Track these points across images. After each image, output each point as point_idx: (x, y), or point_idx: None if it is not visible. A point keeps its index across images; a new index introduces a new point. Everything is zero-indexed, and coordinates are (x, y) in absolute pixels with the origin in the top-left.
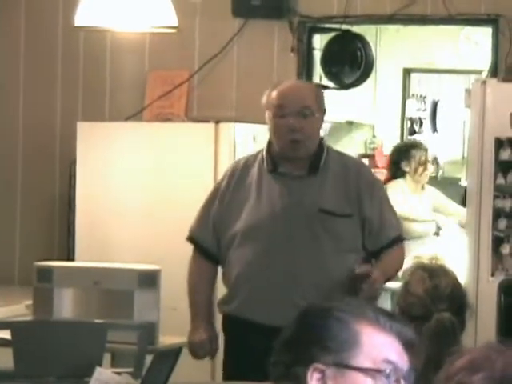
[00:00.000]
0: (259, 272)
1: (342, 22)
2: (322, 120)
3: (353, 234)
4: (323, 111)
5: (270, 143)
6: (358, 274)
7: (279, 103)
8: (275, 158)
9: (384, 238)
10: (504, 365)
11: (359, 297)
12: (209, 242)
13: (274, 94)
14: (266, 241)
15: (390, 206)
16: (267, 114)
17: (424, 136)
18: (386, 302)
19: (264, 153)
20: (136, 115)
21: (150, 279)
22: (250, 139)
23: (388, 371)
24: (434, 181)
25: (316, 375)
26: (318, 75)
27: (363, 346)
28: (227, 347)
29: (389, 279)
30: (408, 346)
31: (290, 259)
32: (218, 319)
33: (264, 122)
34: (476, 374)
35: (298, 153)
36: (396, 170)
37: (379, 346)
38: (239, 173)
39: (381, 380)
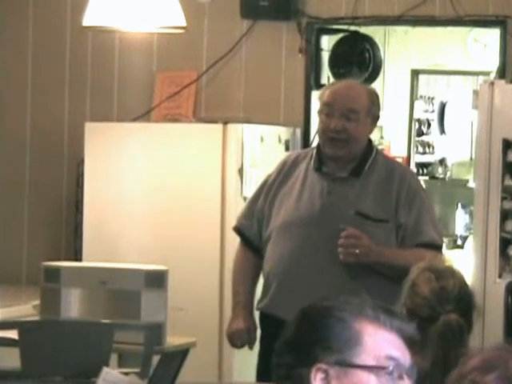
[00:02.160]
0: (289, 270)
1: (350, 23)
2: (370, 124)
3: (387, 239)
4: (375, 117)
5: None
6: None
7: (328, 101)
8: (322, 157)
9: (414, 241)
10: None
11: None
12: (253, 234)
13: (327, 91)
14: (299, 239)
15: (431, 218)
16: (318, 110)
17: (432, 137)
18: None
19: (314, 150)
20: (144, 116)
21: (157, 279)
22: (257, 140)
23: (391, 368)
24: (442, 182)
25: (320, 375)
26: (326, 76)
27: (365, 343)
28: (261, 344)
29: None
30: (409, 341)
31: (320, 259)
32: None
33: (271, 123)
34: (489, 373)
35: (337, 152)
36: None
37: (381, 343)
38: (288, 167)
39: (384, 377)
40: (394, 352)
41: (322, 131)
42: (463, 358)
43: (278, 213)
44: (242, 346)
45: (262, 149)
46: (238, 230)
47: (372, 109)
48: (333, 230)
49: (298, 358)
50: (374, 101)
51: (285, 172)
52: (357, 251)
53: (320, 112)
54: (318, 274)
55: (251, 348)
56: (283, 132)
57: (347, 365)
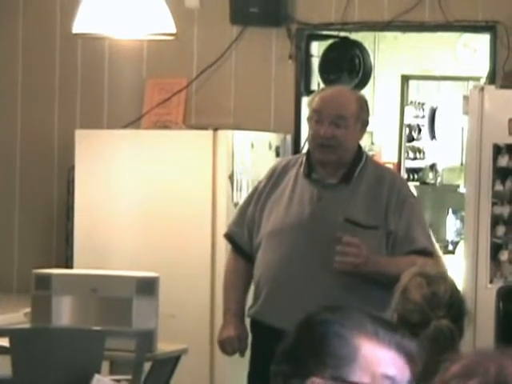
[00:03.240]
0: (278, 276)
1: (340, 29)
2: (359, 130)
3: (377, 246)
4: (364, 123)
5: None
6: (342, 238)
7: (317, 108)
8: (312, 164)
9: (405, 249)
10: (497, 370)
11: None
12: (244, 241)
13: (316, 98)
14: (288, 246)
15: (421, 225)
16: (307, 116)
17: (422, 143)
18: None
19: (304, 157)
20: (134, 123)
21: (148, 286)
22: (248, 146)
23: None
24: (432, 188)
25: None
26: (316, 82)
27: (362, 361)
28: (251, 350)
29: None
30: (408, 358)
31: (309, 266)
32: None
33: (261, 129)
34: (470, 380)
35: (327, 157)
36: None
37: (378, 361)
38: (278, 174)
39: None
40: (391, 370)
41: (312, 138)
42: (444, 365)
43: (268, 219)
44: (233, 354)
45: (252, 155)
46: (229, 237)
47: (361, 115)
48: (322, 237)
49: (294, 368)
50: (362, 107)
51: (275, 178)
52: (358, 261)
53: (309, 119)
54: (308, 280)
55: (242, 355)
56: (273, 138)
57: (342, 381)
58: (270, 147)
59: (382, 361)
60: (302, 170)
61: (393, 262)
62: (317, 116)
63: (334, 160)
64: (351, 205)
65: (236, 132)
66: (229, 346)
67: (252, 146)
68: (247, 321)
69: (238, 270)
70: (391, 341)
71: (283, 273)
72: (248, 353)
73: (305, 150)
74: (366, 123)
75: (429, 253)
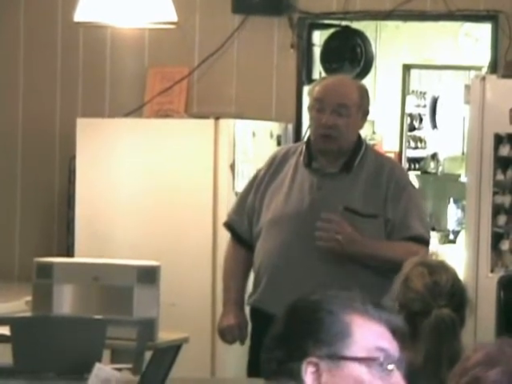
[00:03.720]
0: (278, 264)
1: (341, 18)
2: (360, 119)
3: (377, 234)
4: (365, 112)
5: (310, 138)
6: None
7: (318, 97)
8: (312, 153)
9: (401, 235)
10: None
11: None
12: (244, 229)
13: (317, 87)
14: (288, 234)
15: (419, 213)
16: (308, 105)
17: (424, 132)
18: None
19: (304, 146)
20: (136, 111)
21: (149, 275)
22: (249, 135)
23: (381, 358)
24: (434, 177)
25: (310, 369)
26: (318, 71)
27: (355, 336)
28: (251, 338)
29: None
30: (397, 333)
31: (309, 254)
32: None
33: (263, 118)
34: (492, 368)
35: (329, 146)
36: None
37: (370, 335)
38: (278, 162)
39: (375, 368)
40: (384, 343)
41: (314, 127)
42: (467, 353)
43: (268, 208)
44: (233, 342)
45: (254, 144)
46: (228, 225)
47: (363, 104)
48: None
49: (288, 352)
50: (364, 95)
51: (275, 167)
52: (339, 237)
53: (311, 107)
54: (308, 268)
55: (242, 343)
56: (275, 127)
57: (338, 357)
58: (272, 136)
59: (374, 334)
60: (301, 159)
61: (385, 246)
62: (318, 105)
63: (335, 149)
64: (351, 194)
65: (237, 121)
66: (229, 335)
67: (253, 134)
68: (247, 309)
69: (238, 258)
70: (381, 317)
71: (283, 261)
72: (248, 341)
73: (305, 139)
74: (366, 112)
75: (424, 241)
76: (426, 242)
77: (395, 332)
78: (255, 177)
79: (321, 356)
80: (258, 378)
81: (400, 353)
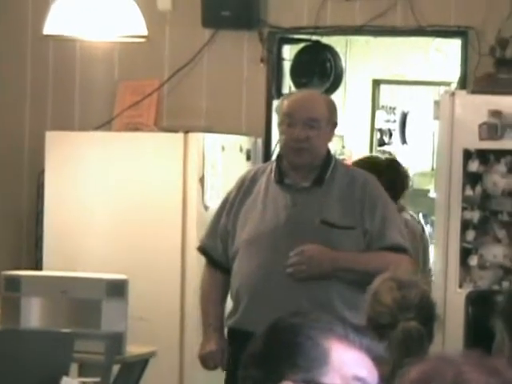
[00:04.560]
0: (259, 283)
1: (311, 33)
2: (330, 131)
3: (355, 246)
4: (334, 125)
5: (280, 154)
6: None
7: (289, 112)
8: (283, 169)
9: (380, 245)
10: (454, 374)
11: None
12: (218, 253)
13: (286, 102)
14: (267, 252)
15: (395, 223)
16: (277, 121)
17: (393, 147)
18: None
19: (274, 164)
20: (105, 125)
21: (117, 289)
22: (219, 149)
23: None
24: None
25: None
26: (288, 86)
27: (333, 363)
28: (228, 360)
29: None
30: (377, 360)
31: (288, 273)
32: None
33: (233, 132)
34: None
35: (302, 159)
36: None
37: (349, 363)
38: (248, 183)
39: None
40: (362, 372)
41: (285, 142)
42: (403, 370)
43: (243, 228)
44: (214, 368)
45: (223, 158)
46: (202, 250)
47: (332, 117)
48: (300, 241)
49: (264, 373)
50: (332, 109)
51: (245, 188)
52: (303, 267)
53: (281, 123)
54: (289, 286)
55: (224, 369)
56: (244, 141)
57: (314, 383)
58: (241, 150)
59: (352, 362)
60: (272, 176)
61: (361, 257)
62: (289, 119)
63: (308, 162)
64: (326, 206)
65: (207, 135)
66: (211, 361)
67: (223, 148)
68: (225, 330)
69: (214, 282)
70: (361, 343)
71: (264, 280)
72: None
73: (275, 153)
74: (335, 125)
75: (401, 249)
76: (404, 250)
77: (375, 360)
78: (226, 199)
79: (296, 380)
80: None
81: (378, 381)
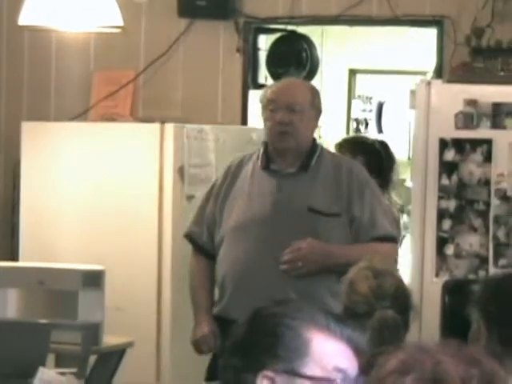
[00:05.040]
0: (246, 270)
1: (287, 23)
2: (315, 118)
3: (341, 233)
4: (318, 111)
5: (265, 141)
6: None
7: (272, 98)
8: (269, 155)
9: (371, 234)
10: (433, 365)
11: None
12: (205, 240)
13: (270, 89)
14: (254, 239)
15: (384, 209)
16: (261, 109)
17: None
18: None
19: (260, 150)
20: (81, 115)
21: (94, 279)
22: (196, 139)
23: (338, 380)
24: None
25: (266, 382)
26: (264, 76)
27: (314, 353)
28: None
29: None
30: (358, 351)
31: (274, 259)
32: None
33: (209, 122)
34: (405, 376)
35: (287, 144)
36: None
37: (329, 354)
38: (233, 170)
39: None
40: (343, 363)
41: (270, 127)
42: (380, 360)
43: (230, 215)
44: (208, 352)
45: (200, 147)
46: (189, 237)
47: (315, 102)
48: (286, 227)
49: (245, 362)
50: (315, 95)
51: (231, 175)
52: (299, 264)
53: (264, 109)
54: (276, 273)
55: (216, 353)
56: (221, 131)
57: (294, 374)
58: (218, 140)
59: (333, 353)
60: (259, 162)
61: (352, 250)
62: (272, 105)
63: (293, 146)
64: (312, 193)
65: (183, 125)
66: (204, 345)
67: (200, 138)
68: (188, 314)
69: (202, 269)
70: (342, 333)
71: (250, 266)
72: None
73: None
74: (320, 111)
75: (392, 238)
76: (393, 239)
77: (357, 350)
78: (212, 186)
79: (277, 371)
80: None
81: (359, 372)
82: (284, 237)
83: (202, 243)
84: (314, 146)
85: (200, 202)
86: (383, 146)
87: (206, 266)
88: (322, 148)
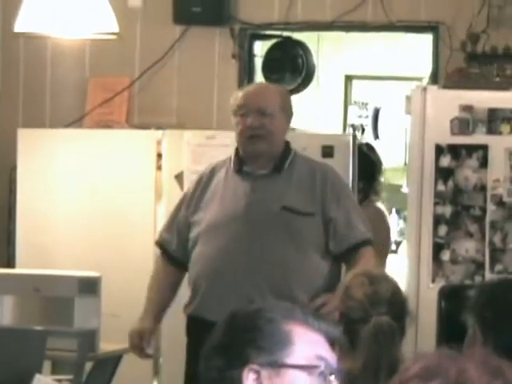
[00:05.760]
0: (218, 269)
1: (282, 29)
2: (285, 121)
3: (315, 233)
4: (288, 114)
5: (237, 147)
6: (315, 305)
7: (241, 103)
8: (241, 159)
9: (351, 239)
10: (457, 372)
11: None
12: (174, 248)
13: (239, 95)
14: (227, 238)
15: (359, 213)
16: (232, 114)
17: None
18: None
19: (232, 155)
20: (76, 122)
21: (90, 286)
22: (190, 146)
23: (322, 367)
24: None
25: (251, 376)
26: (259, 82)
27: (295, 344)
28: (188, 350)
29: None
30: (335, 344)
31: (248, 257)
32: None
33: (204, 129)
34: (430, 381)
35: (258, 147)
36: None
37: (310, 344)
38: (206, 178)
39: (315, 376)
40: (323, 352)
41: (240, 132)
42: (404, 364)
43: (204, 217)
44: (140, 347)
45: (194, 154)
46: (160, 244)
47: (285, 104)
48: (260, 226)
49: (228, 360)
50: (285, 98)
51: (204, 183)
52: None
53: (235, 114)
54: (248, 271)
55: (147, 351)
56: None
57: (279, 365)
58: (219, 146)
59: (314, 343)
60: (232, 166)
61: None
62: (242, 110)
63: (265, 149)
64: (286, 193)
65: (179, 131)
66: (136, 338)
67: (200, 144)
68: (183, 320)
69: (165, 274)
70: (320, 326)
71: (223, 265)
72: (184, 353)
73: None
74: (290, 114)
75: (369, 240)
76: (370, 241)
77: (334, 343)
78: (184, 195)
79: (261, 363)
80: None
81: (338, 364)
82: (258, 235)
83: (170, 251)
84: (287, 149)
85: (172, 211)
86: (370, 148)
87: (170, 273)
88: (296, 152)
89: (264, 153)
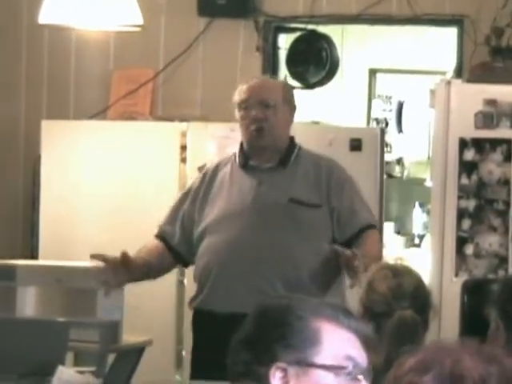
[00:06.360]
0: (226, 261)
1: (307, 22)
2: (289, 114)
3: (323, 224)
4: (292, 107)
5: (241, 142)
6: (341, 253)
7: (244, 97)
8: (246, 153)
9: (354, 226)
10: (452, 362)
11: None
12: (176, 242)
13: (242, 88)
14: (234, 231)
15: (363, 202)
16: (236, 109)
17: (390, 136)
18: None
19: (237, 150)
20: (100, 113)
21: None
22: (215, 138)
23: (350, 368)
24: (399, 181)
25: (278, 374)
26: (283, 75)
27: (324, 343)
28: (195, 342)
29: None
30: (366, 343)
31: (255, 249)
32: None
33: (228, 121)
34: (425, 374)
35: (263, 140)
36: None
37: (339, 343)
38: (211, 173)
39: (343, 376)
40: (353, 352)
41: (245, 125)
42: (399, 360)
43: (211, 212)
44: (106, 275)
45: (219, 147)
46: (161, 237)
47: (288, 98)
48: (268, 218)
49: (256, 355)
50: (288, 90)
51: (208, 178)
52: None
53: (239, 109)
54: (258, 263)
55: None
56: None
57: (306, 364)
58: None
59: (343, 342)
60: (237, 161)
61: (375, 252)
62: (245, 104)
63: (269, 143)
64: (292, 186)
65: (203, 124)
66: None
67: (220, 137)
68: (190, 313)
69: (161, 253)
70: (350, 324)
71: (230, 256)
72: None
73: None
74: (294, 107)
75: (373, 225)
76: (375, 226)
77: (364, 340)
78: (189, 189)
79: (289, 361)
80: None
81: (368, 362)
82: (265, 227)
83: (172, 244)
84: (292, 144)
85: (174, 205)
86: None
87: (165, 256)
88: (301, 147)
89: (269, 146)
